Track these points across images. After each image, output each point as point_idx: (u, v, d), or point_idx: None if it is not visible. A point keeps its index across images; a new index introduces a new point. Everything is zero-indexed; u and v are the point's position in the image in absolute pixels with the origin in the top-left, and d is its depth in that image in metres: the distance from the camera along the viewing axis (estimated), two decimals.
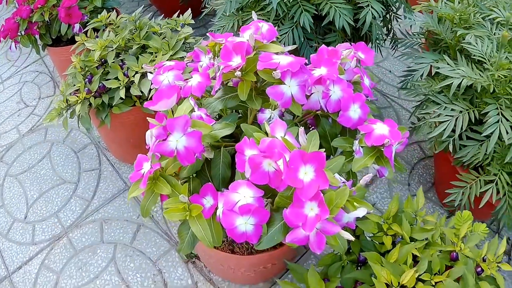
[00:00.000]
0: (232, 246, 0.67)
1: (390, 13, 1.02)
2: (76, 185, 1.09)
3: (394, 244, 0.60)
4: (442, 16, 0.91)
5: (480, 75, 0.75)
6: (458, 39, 0.85)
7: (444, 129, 0.75)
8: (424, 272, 0.57)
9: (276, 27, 0.85)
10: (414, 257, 0.61)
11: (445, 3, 0.92)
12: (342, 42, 0.82)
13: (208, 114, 0.56)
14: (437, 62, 0.82)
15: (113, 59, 0.91)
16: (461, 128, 0.75)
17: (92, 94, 0.90)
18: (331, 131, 0.58)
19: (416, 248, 0.60)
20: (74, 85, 0.92)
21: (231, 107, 0.57)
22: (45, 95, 1.39)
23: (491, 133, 0.71)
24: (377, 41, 0.95)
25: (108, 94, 0.91)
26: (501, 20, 0.85)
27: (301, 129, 0.45)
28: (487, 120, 0.72)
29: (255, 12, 0.85)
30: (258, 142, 0.46)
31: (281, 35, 0.83)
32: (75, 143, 1.21)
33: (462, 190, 0.80)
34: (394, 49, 1.09)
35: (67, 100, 0.90)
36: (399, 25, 1.24)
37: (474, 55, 0.77)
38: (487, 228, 0.65)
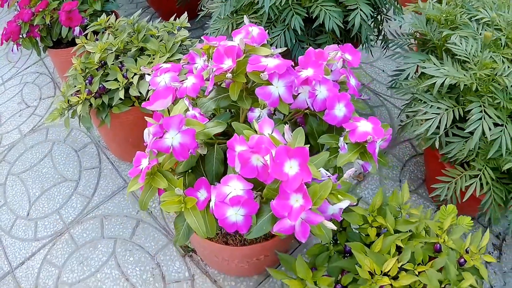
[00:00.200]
0: (226, 239, 0.71)
1: (381, 15, 1.06)
2: (77, 183, 1.13)
3: (379, 235, 0.63)
4: (430, 17, 0.94)
5: (464, 74, 0.78)
6: (445, 40, 0.88)
7: (429, 126, 0.78)
8: (408, 262, 0.60)
9: (268, 30, 0.88)
10: (399, 248, 0.64)
11: (433, 4, 0.96)
12: (333, 43, 0.86)
13: (202, 113, 0.59)
14: (424, 62, 0.85)
15: (113, 61, 0.94)
16: (446, 125, 0.78)
17: (93, 94, 0.93)
18: (318, 129, 0.61)
19: (400, 240, 0.63)
20: (75, 86, 0.95)
21: (224, 107, 0.60)
22: (45, 96, 1.42)
23: (476, 129, 0.74)
24: (368, 42, 0.98)
25: (108, 95, 0.94)
26: (487, 21, 0.88)
27: (286, 126, 0.49)
28: (470, 118, 0.75)
29: (249, 15, 0.88)
30: (247, 139, 0.49)
31: (273, 38, 0.86)
32: (75, 143, 1.24)
33: (447, 185, 0.83)
34: (385, 49, 1.12)
35: (68, 100, 0.93)
36: (389, 25, 1.27)
37: (459, 55, 0.80)
38: (473, 222, 0.68)
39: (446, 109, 0.80)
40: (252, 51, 0.56)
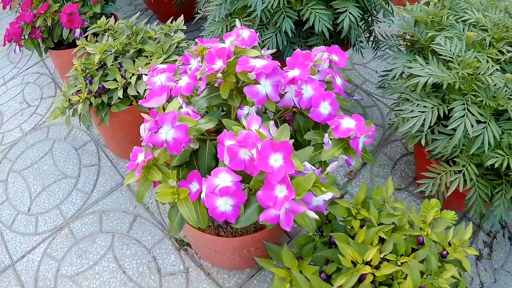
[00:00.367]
0: (218, 231, 0.74)
1: (371, 17, 1.09)
2: (76, 179, 1.16)
3: (363, 228, 0.66)
4: (418, 19, 0.97)
5: (448, 73, 0.81)
6: (431, 40, 0.91)
7: (414, 124, 0.81)
8: (391, 253, 0.63)
9: (261, 32, 0.92)
10: (383, 240, 0.67)
11: (420, 6, 0.99)
12: (324, 45, 0.89)
13: (195, 111, 0.62)
14: (410, 63, 0.88)
15: (112, 62, 0.98)
16: (430, 123, 0.81)
17: (93, 94, 0.97)
18: (305, 126, 0.65)
19: (384, 232, 0.66)
20: (76, 86, 0.99)
21: (215, 105, 0.64)
22: (46, 96, 1.46)
23: (458, 126, 0.77)
24: (357, 43, 1.02)
25: (107, 94, 0.98)
26: (473, 22, 0.91)
27: (271, 122, 0.52)
28: (453, 115, 0.78)
29: (242, 18, 0.92)
30: (236, 134, 0.53)
31: (265, 40, 0.89)
32: (75, 141, 1.27)
33: (432, 181, 0.86)
34: (375, 50, 1.16)
35: (69, 99, 0.97)
36: (379, 27, 1.30)
37: (444, 55, 0.83)
38: (457, 216, 0.70)
39: (432, 108, 0.83)
40: (241, 53, 0.60)
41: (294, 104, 0.62)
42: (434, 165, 0.88)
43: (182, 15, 1.08)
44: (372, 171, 1.14)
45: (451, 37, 0.87)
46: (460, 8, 0.96)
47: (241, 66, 0.56)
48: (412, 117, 0.83)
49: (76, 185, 1.15)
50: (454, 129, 0.78)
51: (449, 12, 0.95)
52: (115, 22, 1.08)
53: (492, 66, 0.80)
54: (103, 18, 1.09)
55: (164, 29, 1.03)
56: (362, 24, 1.09)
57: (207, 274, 0.92)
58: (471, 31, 0.89)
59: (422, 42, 0.94)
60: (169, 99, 0.64)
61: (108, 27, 1.07)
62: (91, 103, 0.97)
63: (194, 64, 0.72)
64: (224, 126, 0.59)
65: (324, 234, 0.67)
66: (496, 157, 0.77)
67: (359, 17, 0.90)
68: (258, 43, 0.67)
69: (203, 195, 0.55)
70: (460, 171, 0.83)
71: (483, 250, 0.96)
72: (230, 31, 0.92)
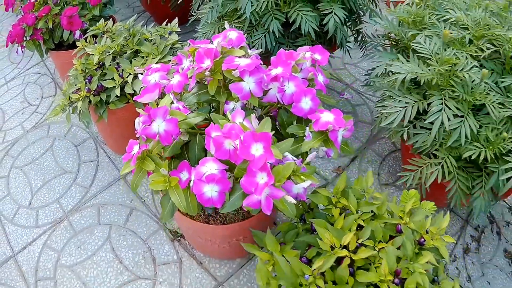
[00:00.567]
0: (207, 219, 0.79)
1: (358, 18, 1.14)
2: (76, 174, 1.21)
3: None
4: (401, 19, 1.02)
5: (427, 70, 0.85)
6: (413, 39, 0.96)
7: (394, 119, 0.85)
8: (369, 239, 0.67)
9: (250, 33, 0.97)
10: (362, 228, 0.71)
11: (403, 7, 1.03)
12: (312, 45, 0.94)
13: (186, 106, 0.67)
14: (393, 61, 0.93)
15: (110, 62, 1.03)
16: (410, 118, 0.85)
17: (92, 92, 1.02)
18: (288, 120, 0.69)
19: (363, 220, 0.70)
20: (76, 84, 1.04)
21: (204, 101, 0.69)
22: (47, 95, 1.50)
23: (435, 120, 0.81)
24: (343, 44, 1.06)
25: (106, 93, 1.03)
26: (453, 21, 0.95)
27: (253, 115, 0.57)
28: (431, 109, 0.82)
29: (233, 20, 0.97)
30: (221, 127, 0.58)
31: (255, 41, 0.94)
32: (75, 138, 1.32)
33: (413, 173, 0.91)
34: (362, 50, 1.20)
35: (69, 97, 1.02)
36: (366, 28, 1.35)
37: (424, 53, 0.87)
38: (436, 207, 0.74)
39: (413, 103, 0.87)
40: (228, 53, 0.65)
41: (278, 100, 0.67)
42: (416, 158, 0.92)
43: (178, 17, 1.13)
44: (361, 167, 1.18)
45: (431, 36, 0.91)
46: (444, 8, 1.00)
47: (227, 65, 0.61)
48: (394, 112, 0.87)
49: (75, 180, 1.19)
50: (432, 123, 0.82)
51: (431, 12, 0.99)
52: (113, 24, 1.13)
53: (470, 62, 0.84)
54: (102, 20, 1.14)
55: (160, 31, 1.07)
56: (350, 25, 1.13)
57: (199, 264, 0.97)
58: (452, 29, 0.93)
59: (405, 41, 0.98)
60: (162, 96, 0.69)
61: (107, 29, 1.12)
62: (90, 101, 1.01)
63: (186, 64, 0.77)
64: (213, 121, 0.63)
65: (306, 221, 0.71)
66: (474, 149, 0.81)
67: (344, 18, 0.94)
68: (248, 43, 0.72)
69: (192, 183, 0.59)
70: (439, 164, 0.87)
71: (470, 244, 0.98)
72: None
